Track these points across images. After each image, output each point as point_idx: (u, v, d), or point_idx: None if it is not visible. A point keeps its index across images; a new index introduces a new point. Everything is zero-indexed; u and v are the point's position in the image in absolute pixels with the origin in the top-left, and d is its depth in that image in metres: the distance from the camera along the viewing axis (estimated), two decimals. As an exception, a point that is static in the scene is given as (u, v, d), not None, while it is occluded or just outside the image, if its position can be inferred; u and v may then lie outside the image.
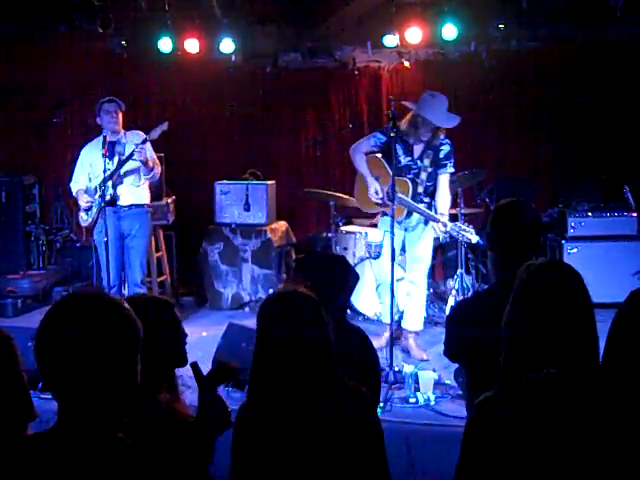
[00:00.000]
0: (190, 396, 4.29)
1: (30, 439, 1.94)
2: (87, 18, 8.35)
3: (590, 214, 7.74)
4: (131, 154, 6.59)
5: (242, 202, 8.15)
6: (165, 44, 8.28)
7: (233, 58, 8.64)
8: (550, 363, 2.13)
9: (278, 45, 8.82)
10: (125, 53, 8.72)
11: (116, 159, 6.70)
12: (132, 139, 6.77)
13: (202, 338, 6.81)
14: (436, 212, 6.24)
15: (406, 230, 6.39)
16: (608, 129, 8.49)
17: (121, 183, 6.72)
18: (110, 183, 6.61)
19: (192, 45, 8.36)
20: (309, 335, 2.57)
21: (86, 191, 6.81)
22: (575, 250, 7.60)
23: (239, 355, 5.58)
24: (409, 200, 6.22)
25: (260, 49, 8.78)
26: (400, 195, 6.13)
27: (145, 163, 6.62)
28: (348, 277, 3.51)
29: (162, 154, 8.24)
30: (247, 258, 8.22)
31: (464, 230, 5.91)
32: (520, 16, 7.92)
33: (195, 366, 3.11)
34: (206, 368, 5.83)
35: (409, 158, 6.29)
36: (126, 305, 1.98)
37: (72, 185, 6.98)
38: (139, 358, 1.95)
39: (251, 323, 6.50)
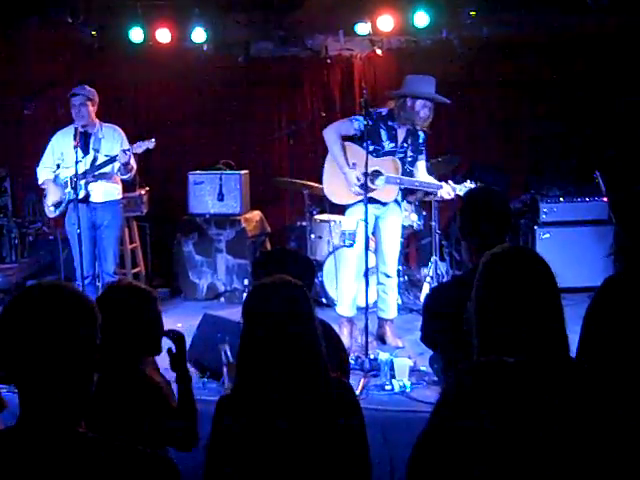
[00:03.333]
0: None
1: None
2: (56, 8, 8.27)
3: (562, 199, 7.81)
4: (112, 158, 6.52)
5: (216, 192, 8.12)
6: (136, 34, 8.23)
7: (205, 47, 8.60)
8: (518, 350, 2.13)
9: (250, 34, 8.79)
10: (96, 43, 8.63)
11: (91, 156, 6.62)
12: (109, 136, 6.69)
13: (177, 329, 6.78)
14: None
15: (377, 218, 6.37)
16: (579, 115, 8.56)
17: (94, 181, 6.64)
18: (83, 181, 6.55)
19: (163, 35, 8.32)
20: (298, 324, 2.56)
21: (55, 181, 6.73)
22: (547, 235, 7.67)
23: (214, 345, 5.58)
24: (402, 177, 6.16)
25: (232, 38, 8.76)
26: (390, 175, 6.12)
27: (126, 165, 6.55)
28: (310, 272, 3.51)
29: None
30: (221, 248, 8.21)
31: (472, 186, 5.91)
32: (491, 3, 7.95)
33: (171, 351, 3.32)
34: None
35: (393, 144, 6.19)
36: (85, 295, 1.97)
37: (39, 170, 6.83)
38: (97, 348, 1.94)
39: (226, 313, 6.53)
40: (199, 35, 8.31)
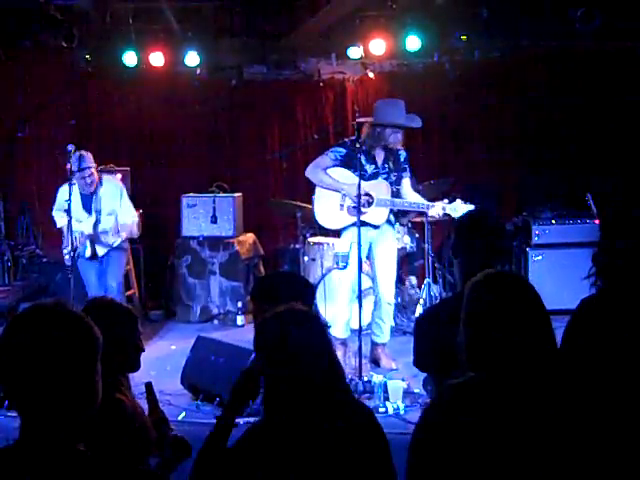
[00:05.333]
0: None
1: None
2: (51, 33, 8.30)
3: (554, 222, 7.84)
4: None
5: (209, 215, 8.14)
6: (130, 58, 8.26)
7: (198, 71, 8.65)
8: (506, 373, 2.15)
9: (243, 58, 8.84)
10: (90, 67, 8.66)
11: (93, 218, 6.74)
12: (108, 193, 6.80)
13: (171, 352, 6.79)
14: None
15: (372, 244, 6.37)
16: (571, 137, 8.62)
17: (98, 238, 6.77)
18: (88, 242, 6.66)
19: (157, 58, 8.35)
20: (318, 353, 2.48)
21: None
22: (540, 257, 7.68)
23: (207, 368, 5.59)
24: (392, 199, 6.22)
25: (225, 62, 8.81)
26: (381, 197, 6.16)
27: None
28: (309, 295, 3.50)
29: (128, 168, 8.23)
30: (215, 271, 8.21)
31: (463, 206, 5.93)
32: (482, 27, 8.03)
33: (149, 386, 3.13)
34: (175, 381, 5.87)
35: (373, 166, 6.26)
36: (85, 316, 1.96)
37: (54, 214, 6.96)
38: (99, 369, 1.94)
39: (220, 336, 6.53)
40: (192, 59, 8.35)
